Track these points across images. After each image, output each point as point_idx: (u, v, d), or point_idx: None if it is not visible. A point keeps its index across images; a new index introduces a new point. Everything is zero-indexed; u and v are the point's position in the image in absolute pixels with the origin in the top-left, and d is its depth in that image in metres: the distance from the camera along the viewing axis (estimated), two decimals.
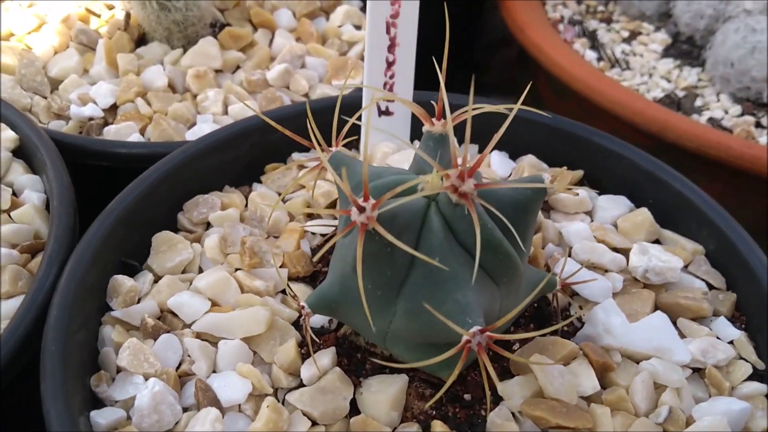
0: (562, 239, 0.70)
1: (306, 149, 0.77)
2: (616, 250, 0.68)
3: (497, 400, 0.56)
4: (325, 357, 0.57)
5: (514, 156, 0.80)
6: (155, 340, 0.59)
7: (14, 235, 0.66)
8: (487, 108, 0.51)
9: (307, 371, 0.57)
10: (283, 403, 0.56)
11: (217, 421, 0.53)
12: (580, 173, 0.77)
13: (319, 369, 0.57)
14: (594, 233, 0.69)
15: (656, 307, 0.63)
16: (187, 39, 0.94)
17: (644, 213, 0.71)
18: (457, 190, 0.50)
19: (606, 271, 0.66)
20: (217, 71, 0.92)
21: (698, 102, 1.09)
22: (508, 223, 0.51)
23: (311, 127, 0.54)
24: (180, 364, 0.59)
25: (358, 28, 1.00)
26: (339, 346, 0.59)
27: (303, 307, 0.56)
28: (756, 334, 0.62)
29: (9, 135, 0.73)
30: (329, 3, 1.03)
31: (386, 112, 0.79)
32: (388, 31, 0.74)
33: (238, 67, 0.93)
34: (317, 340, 0.57)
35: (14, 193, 0.70)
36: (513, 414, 0.55)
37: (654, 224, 0.70)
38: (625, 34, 1.22)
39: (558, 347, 0.58)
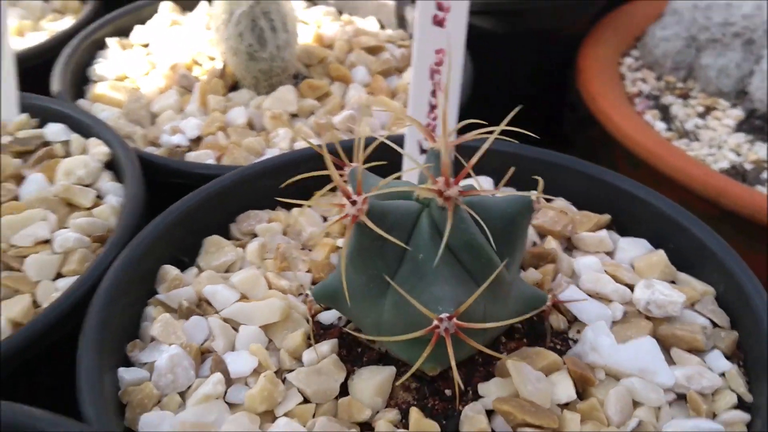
0: (575, 273, 0.73)
1: None
2: (626, 285, 0.70)
3: (477, 398, 0.60)
4: (326, 345, 0.64)
5: (546, 200, 0.84)
6: (187, 320, 0.68)
7: (90, 227, 0.77)
8: (469, 136, 0.58)
9: (308, 355, 0.63)
10: (283, 382, 0.62)
11: (220, 383, 0.60)
12: (607, 218, 0.80)
13: (319, 354, 0.63)
14: (606, 268, 0.72)
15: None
16: (271, 87, 1.06)
17: (660, 254, 0.73)
18: (442, 194, 0.56)
19: (610, 301, 0.69)
20: (293, 115, 1.03)
21: (765, 175, 1.09)
22: (487, 229, 0.56)
23: (325, 150, 0.61)
24: (204, 342, 0.67)
25: None
26: (342, 339, 0.65)
27: (307, 295, 0.63)
28: (751, 369, 0.62)
29: (103, 150, 0.87)
30: (404, 64, 1.14)
31: (426, 152, 0.86)
32: (432, 77, 0.82)
33: (312, 113, 1.04)
34: (310, 318, 0.64)
35: (99, 196, 0.83)
36: (488, 412, 0.58)
37: (669, 266, 0.72)
38: (701, 109, 1.24)
39: (541, 357, 0.61)
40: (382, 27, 1.27)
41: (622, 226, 0.80)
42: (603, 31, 1.44)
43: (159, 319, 0.66)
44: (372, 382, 0.60)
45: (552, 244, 0.75)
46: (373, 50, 1.16)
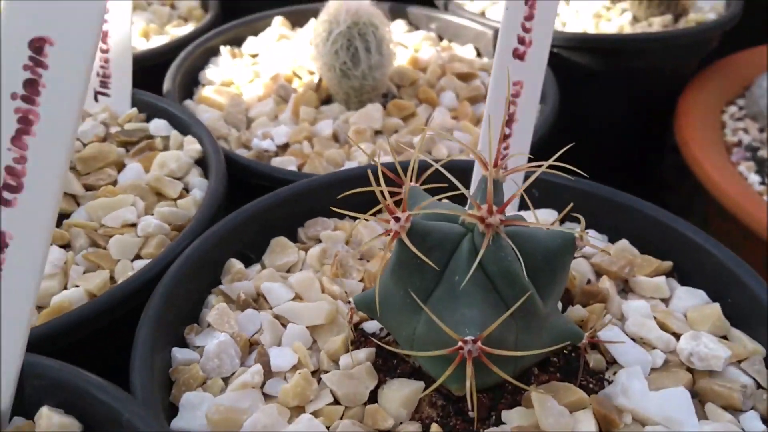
0: (623, 315, 0.73)
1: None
2: (673, 334, 0.70)
3: (499, 424, 0.61)
4: (363, 353, 0.67)
5: (611, 240, 0.84)
6: (242, 311, 0.73)
7: (172, 216, 0.84)
8: (521, 168, 0.59)
9: (344, 360, 0.66)
10: (318, 382, 0.66)
11: (258, 374, 0.64)
12: (668, 264, 0.79)
13: (354, 360, 0.66)
14: (656, 314, 0.71)
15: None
16: (361, 104, 1.11)
17: (714, 307, 0.72)
18: (484, 221, 0.58)
19: (653, 348, 0.68)
20: (377, 132, 1.07)
21: None
22: (521, 259, 0.58)
23: (380, 169, 0.64)
24: (254, 335, 0.71)
25: None
26: (380, 349, 0.68)
27: (349, 302, 0.66)
28: None
29: (195, 147, 0.94)
30: None
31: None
32: (507, 108, 0.84)
33: (396, 131, 1.08)
34: (347, 321, 0.67)
35: (186, 189, 0.90)
36: None
37: (722, 320, 0.71)
38: None
39: (569, 393, 0.62)
40: (479, 55, 1.29)
41: (684, 274, 0.79)
42: (710, 77, 1.41)
43: (216, 307, 0.71)
44: (400, 394, 0.63)
45: (606, 284, 0.75)
46: (465, 77, 1.18)
